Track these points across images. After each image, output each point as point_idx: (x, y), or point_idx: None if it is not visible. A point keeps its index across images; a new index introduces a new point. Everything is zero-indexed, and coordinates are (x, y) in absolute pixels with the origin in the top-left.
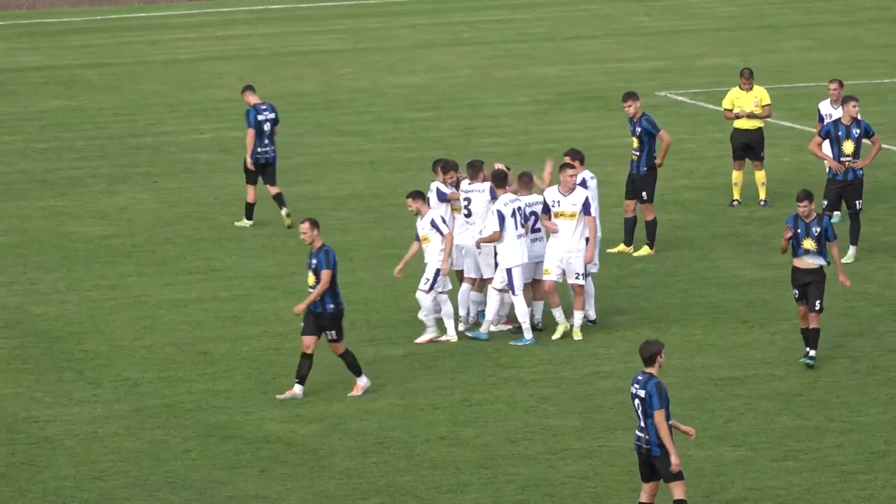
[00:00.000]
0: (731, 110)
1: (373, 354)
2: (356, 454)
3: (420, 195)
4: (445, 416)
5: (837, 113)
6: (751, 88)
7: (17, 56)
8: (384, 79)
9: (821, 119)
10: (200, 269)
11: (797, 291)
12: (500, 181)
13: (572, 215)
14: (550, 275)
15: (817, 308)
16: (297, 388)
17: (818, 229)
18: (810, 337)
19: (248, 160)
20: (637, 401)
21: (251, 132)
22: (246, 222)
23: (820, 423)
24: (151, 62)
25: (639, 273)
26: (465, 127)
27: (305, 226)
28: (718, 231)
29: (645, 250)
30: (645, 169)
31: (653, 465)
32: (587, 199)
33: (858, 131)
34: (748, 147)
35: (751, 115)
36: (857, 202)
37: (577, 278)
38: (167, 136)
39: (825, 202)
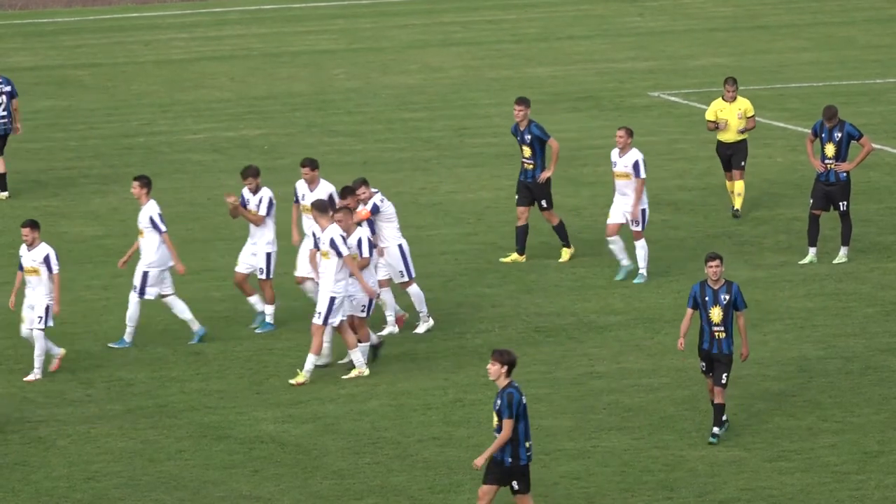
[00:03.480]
0: (714, 122)
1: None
2: (349, 454)
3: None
4: (438, 416)
5: (624, 160)
6: (734, 99)
7: (9, 56)
8: (377, 79)
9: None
10: (193, 269)
11: (704, 364)
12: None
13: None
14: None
15: (723, 382)
16: None
17: (727, 297)
18: (715, 413)
19: None
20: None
21: None
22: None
23: (813, 424)
24: (144, 62)
25: (632, 273)
26: (458, 127)
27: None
28: (711, 231)
29: (566, 253)
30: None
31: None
32: (359, 239)
33: (840, 134)
34: (730, 158)
35: (740, 131)
36: (841, 203)
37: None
38: (160, 136)
39: (812, 201)
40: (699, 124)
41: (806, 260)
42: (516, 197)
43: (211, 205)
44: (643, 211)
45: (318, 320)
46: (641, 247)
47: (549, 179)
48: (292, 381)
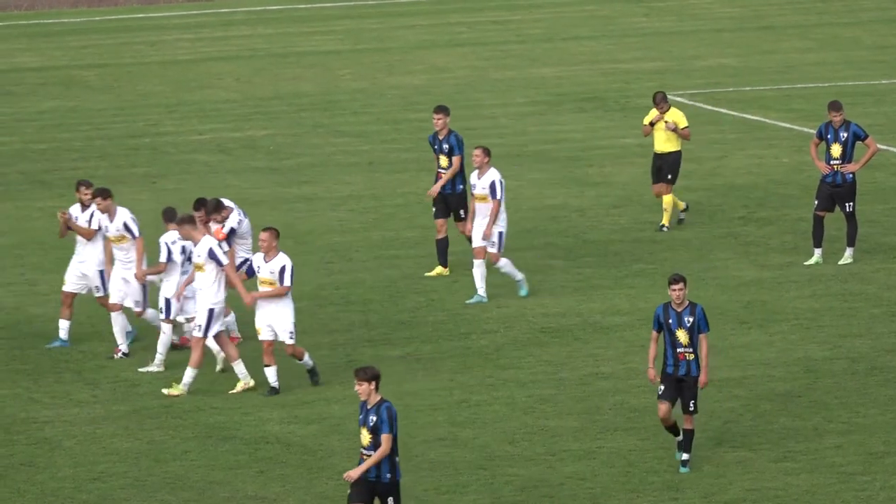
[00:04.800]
0: (650, 125)
1: (371, 355)
2: (355, 455)
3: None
4: (444, 416)
5: (482, 182)
6: (666, 110)
7: (15, 56)
8: (383, 79)
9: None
10: None
11: (663, 387)
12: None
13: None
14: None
15: (691, 409)
16: None
17: (691, 319)
18: (685, 440)
19: None
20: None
21: None
22: None
23: (819, 424)
24: (150, 63)
25: (637, 274)
26: (464, 128)
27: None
28: (717, 232)
29: (439, 271)
30: (461, 187)
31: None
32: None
33: (846, 135)
34: (661, 170)
35: (671, 129)
36: (847, 204)
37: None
38: (166, 136)
39: (816, 202)
40: (705, 125)
41: (811, 261)
42: (433, 209)
43: None
44: (500, 234)
45: (198, 333)
46: (503, 265)
47: (464, 190)
48: (165, 391)
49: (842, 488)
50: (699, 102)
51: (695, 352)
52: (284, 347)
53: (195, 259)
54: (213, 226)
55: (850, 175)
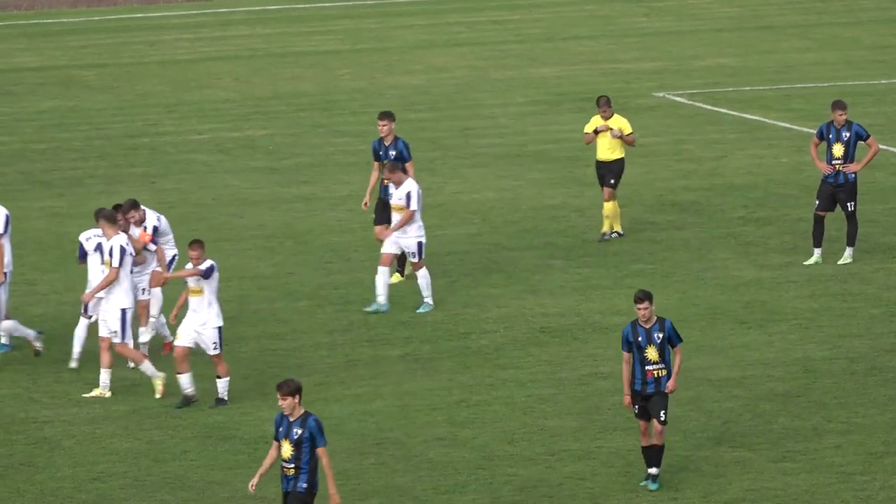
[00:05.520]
0: (592, 133)
1: (371, 355)
2: (354, 455)
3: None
4: (443, 416)
5: (399, 192)
6: (609, 117)
7: (14, 56)
8: (382, 79)
9: None
10: None
11: (638, 408)
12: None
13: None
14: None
15: (662, 418)
16: None
17: (661, 335)
18: (652, 454)
19: None
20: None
21: None
22: None
23: (818, 424)
24: (149, 63)
25: (637, 274)
26: (463, 127)
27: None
28: (716, 232)
29: (396, 277)
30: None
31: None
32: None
33: (849, 134)
34: (604, 177)
35: (617, 136)
36: (849, 204)
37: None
38: (165, 136)
39: (817, 202)
40: (704, 125)
41: (811, 261)
42: (374, 216)
43: (216, 205)
44: (420, 244)
45: (117, 339)
46: (423, 276)
47: None
48: (86, 395)
49: (841, 488)
50: (698, 102)
51: (667, 367)
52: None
53: (107, 256)
54: (136, 230)
55: (853, 175)
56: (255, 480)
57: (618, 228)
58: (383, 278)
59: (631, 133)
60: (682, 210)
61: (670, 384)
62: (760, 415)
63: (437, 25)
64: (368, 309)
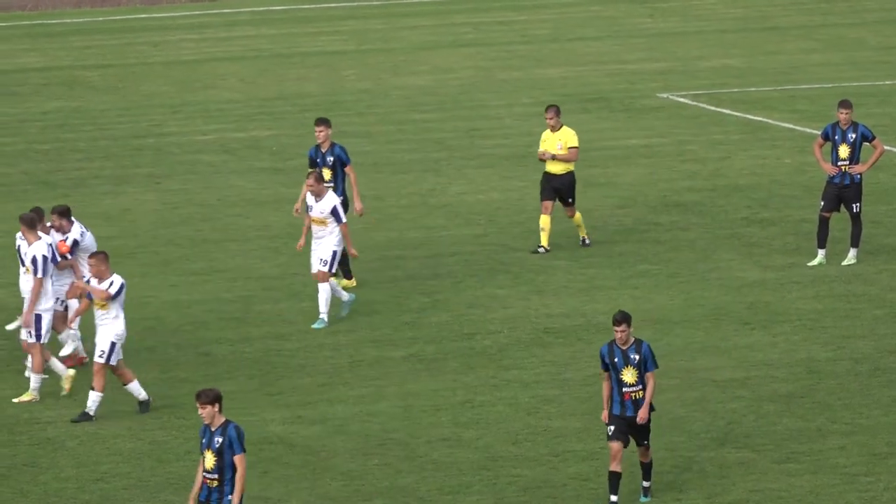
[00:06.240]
0: (543, 152)
1: (375, 356)
2: (358, 456)
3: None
4: (447, 417)
5: (320, 206)
6: (557, 128)
7: (18, 57)
8: (387, 80)
9: None
10: (203, 271)
11: (613, 427)
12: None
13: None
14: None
15: (645, 442)
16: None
17: (637, 357)
18: (643, 470)
19: None
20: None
21: None
22: None
23: (822, 425)
24: (154, 63)
25: (641, 274)
26: (469, 128)
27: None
28: (720, 233)
29: (344, 282)
30: (341, 198)
31: None
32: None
33: (855, 135)
34: (557, 191)
35: (554, 158)
36: (854, 205)
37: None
38: (170, 137)
39: (822, 203)
40: (709, 125)
41: (815, 261)
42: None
43: (221, 206)
44: (335, 252)
45: (29, 338)
46: (325, 290)
47: (348, 202)
48: (16, 400)
49: (845, 489)
50: (703, 103)
51: (644, 389)
52: (93, 366)
53: (27, 262)
54: (56, 237)
55: (858, 176)
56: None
57: (583, 234)
58: (325, 295)
59: (574, 147)
60: (686, 211)
61: (642, 413)
62: (764, 416)
63: (443, 26)
64: (315, 326)
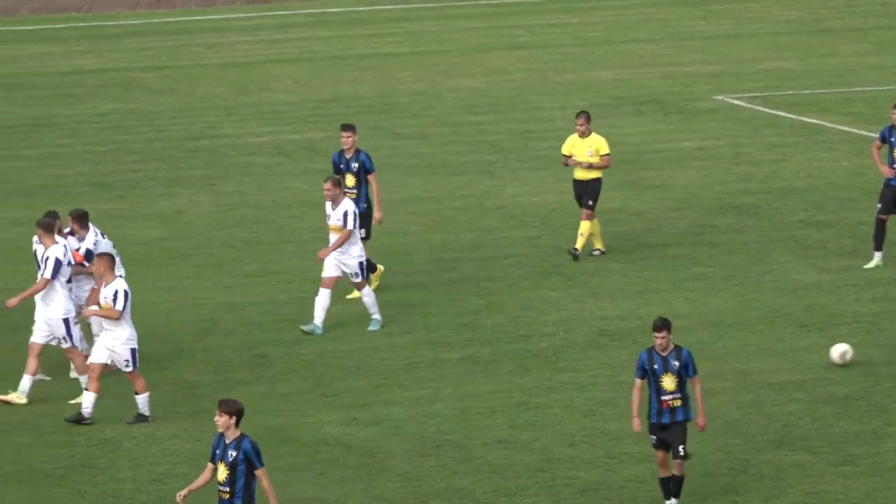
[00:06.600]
0: (568, 156)
1: (431, 357)
2: (414, 457)
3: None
4: (503, 419)
5: (336, 213)
6: (587, 133)
7: (76, 59)
8: (442, 82)
9: None
10: (258, 272)
11: (655, 437)
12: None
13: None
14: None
15: (681, 454)
16: None
17: (677, 363)
18: (671, 485)
19: None
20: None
21: None
22: None
23: (878, 428)
24: (209, 65)
25: (696, 277)
26: (523, 130)
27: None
28: (776, 235)
29: (356, 294)
30: (365, 206)
31: None
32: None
33: None
34: (580, 195)
35: (588, 167)
36: None
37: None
38: (224, 139)
39: (879, 205)
40: (763, 128)
41: (871, 264)
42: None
43: (276, 207)
44: (361, 264)
45: (66, 344)
46: (367, 294)
47: (371, 211)
48: (73, 401)
49: None
50: (757, 105)
51: (682, 397)
52: (125, 375)
53: (41, 264)
54: (74, 241)
55: None
56: (183, 492)
57: (600, 246)
58: (323, 301)
59: (606, 154)
60: (742, 213)
61: (700, 421)
62: (821, 418)
63: (497, 28)
64: (304, 328)
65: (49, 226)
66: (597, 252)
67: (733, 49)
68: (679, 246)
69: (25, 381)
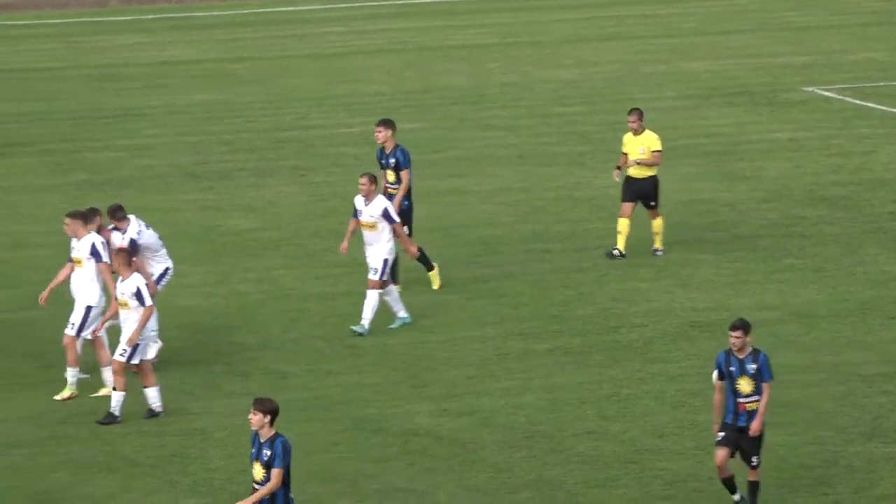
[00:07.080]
0: (626, 155)
1: (521, 348)
2: (504, 448)
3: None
4: (593, 410)
5: (370, 209)
6: (639, 131)
7: (166, 49)
8: (532, 73)
9: None
10: (348, 263)
11: (723, 434)
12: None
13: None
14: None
15: (754, 463)
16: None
17: (754, 367)
18: (749, 493)
19: None
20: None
21: None
22: None
23: None
24: (298, 56)
25: (787, 269)
26: (613, 122)
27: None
28: (866, 226)
29: (435, 278)
30: (407, 203)
31: None
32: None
33: None
34: (639, 195)
35: (638, 164)
36: None
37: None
38: (314, 129)
39: None
40: (854, 119)
41: None
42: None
43: None
44: (385, 261)
45: (70, 331)
46: (372, 297)
47: (412, 206)
48: (57, 397)
49: None
50: (848, 97)
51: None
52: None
53: (75, 254)
54: (118, 236)
55: None
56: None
57: (658, 245)
58: (370, 303)
59: (657, 151)
60: (832, 205)
61: (755, 425)
62: None
63: (589, 19)
64: (354, 328)
65: (85, 217)
66: (616, 252)
67: (823, 40)
68: (770, 237)
69: (106, 374)
